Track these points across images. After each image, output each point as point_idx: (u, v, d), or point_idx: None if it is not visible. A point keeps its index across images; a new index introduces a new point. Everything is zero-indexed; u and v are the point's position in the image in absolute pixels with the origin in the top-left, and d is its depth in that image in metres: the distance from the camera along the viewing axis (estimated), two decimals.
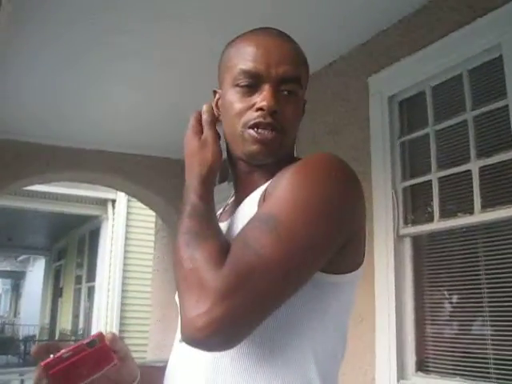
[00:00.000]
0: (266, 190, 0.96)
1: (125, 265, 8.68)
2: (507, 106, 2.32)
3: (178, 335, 1.00)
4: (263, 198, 0.95)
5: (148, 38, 3.17)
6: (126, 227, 8.85)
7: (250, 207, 0.97)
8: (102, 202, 9.26)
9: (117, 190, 7.32)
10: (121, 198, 8.75)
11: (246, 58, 1.00)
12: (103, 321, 8.65)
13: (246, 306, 0.77)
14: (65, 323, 11.45)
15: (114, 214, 9.08)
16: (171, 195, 5.47)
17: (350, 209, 0.90)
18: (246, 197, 1.03)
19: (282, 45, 1.01)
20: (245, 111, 0.99)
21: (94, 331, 8.98)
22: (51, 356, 0.87)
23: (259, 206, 0.94)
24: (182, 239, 0.87)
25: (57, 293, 12.99)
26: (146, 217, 7.94)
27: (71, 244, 12.00)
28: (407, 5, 2.77)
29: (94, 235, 9.93)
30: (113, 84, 3.83)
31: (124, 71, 3.62)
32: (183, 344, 0.95)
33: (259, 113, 0.97)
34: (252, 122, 0.98)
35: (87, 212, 9.55)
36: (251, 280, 0.78)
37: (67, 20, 2.96)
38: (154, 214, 6.26)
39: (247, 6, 2.82)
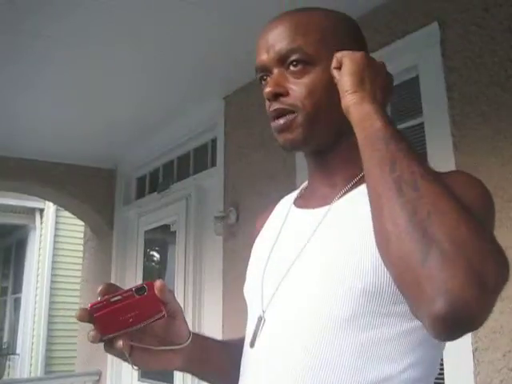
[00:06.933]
0: None
1: (53, 275, 8.47)
2: (423, 123, 2.45)
3: (248, 339, 0.95)
4: None
5: (83, 47, 3.14)
6: (55, 237, 8.63)
7: (360, 212, 0.87)
8: (30, 211, 9.00)
9: (44, 199, 7.16)
10: (49, 207, 8.53)
11: (256, 54, 0.99)
12: (30, 333, 8.39)
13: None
14: None
15: (41, 223, 8.85)
16: (100, 205, 5.41)
17: None
18: (324, 189, 0.99)
19: (276, 26, 0.96)
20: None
21: (19, 344, 8.71)
22: (99, 299, 0.84)
23: None
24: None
25: None
26: (75, 226, 7.80)
27: None
28: None
29: (21, 245, 9.62)
30: (42, 92, 3.75)
31: (54, 80, 3.57)
32: (255, 350, 0.92)
33: (268, 103, 0.96)
34: (268, 115, 0.97)
35: (13, 221, 9.25)
36: None
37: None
38: (82, 223, 6.16)
39: (187, 29, 2.86)
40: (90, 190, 5.36)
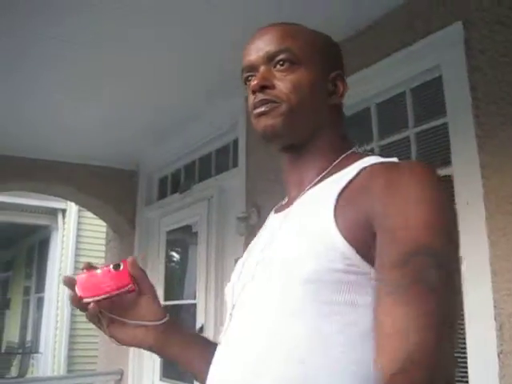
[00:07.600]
0: (339, 199, 0.87)
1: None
2: (446, 123, 2.43)
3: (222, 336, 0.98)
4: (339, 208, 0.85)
5: (95, 48, 3.18)
6: (77, 237, 8.71)
7: (311, 205, 0.93)
8: (52, 212, 9.08)
9: (67, 200, 7.23)
10: (71, 207, 8.60)
11: (243, 58, 1.04)
12: (53, 332, 8.48)
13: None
14: (12, 336, 11.15)
15: (64, 223, 8.93)
16: (122, 205, 5.45)
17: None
18: (295, 189, 1.02)
19: (267, 31, 1.01)
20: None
21: (42, 343, 8.81)
22: (84, 271, 1.06)
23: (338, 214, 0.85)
24: None
25: (4, 304, 12.64)
26: (97, 227, 7.84)
27: (20, 254, 11.70)
28: (353, 25, 2.86)
29: (44, 245, 9.72)
30: (62, 95, 3.79)
31: (73, 83, 3.61)
32: (222, 345, 0.94)
33: (252, 97, 0.99)
34: (250, 108, 1.01)
35: (36, 222, 9.34)
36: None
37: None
38: (104, 224, 6.21)
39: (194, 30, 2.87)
40: (111, 190, 5.41)
